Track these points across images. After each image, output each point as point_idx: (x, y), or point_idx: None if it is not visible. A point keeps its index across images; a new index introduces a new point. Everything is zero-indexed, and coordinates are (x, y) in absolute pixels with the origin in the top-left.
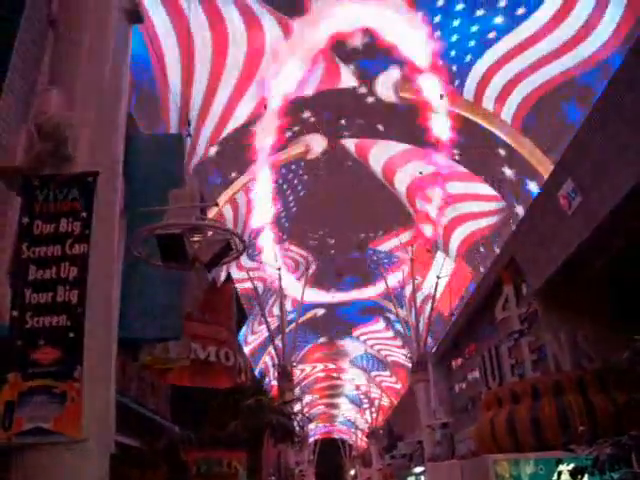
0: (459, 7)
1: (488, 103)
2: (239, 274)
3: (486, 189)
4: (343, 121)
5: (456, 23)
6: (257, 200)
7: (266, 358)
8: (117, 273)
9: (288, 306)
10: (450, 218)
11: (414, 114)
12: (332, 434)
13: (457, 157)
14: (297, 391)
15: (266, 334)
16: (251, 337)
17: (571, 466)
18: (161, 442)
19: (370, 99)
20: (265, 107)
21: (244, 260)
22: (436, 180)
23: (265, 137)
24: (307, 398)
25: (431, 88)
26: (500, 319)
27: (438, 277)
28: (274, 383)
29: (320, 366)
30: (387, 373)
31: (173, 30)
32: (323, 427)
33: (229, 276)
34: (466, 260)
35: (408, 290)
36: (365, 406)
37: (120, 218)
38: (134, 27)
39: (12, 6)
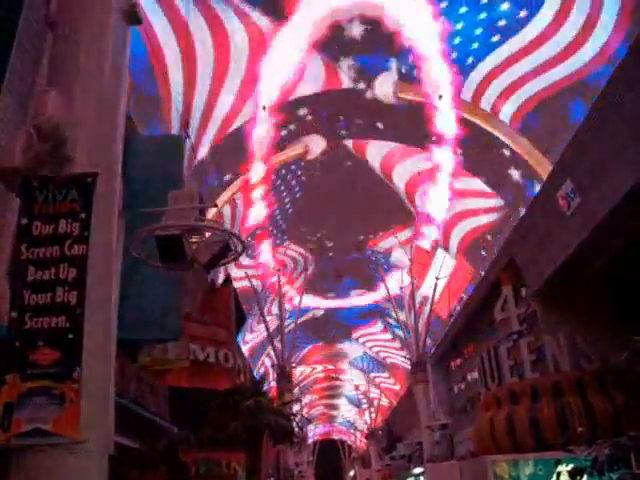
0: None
1: (486, 104)
2: (237, 272)
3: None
4: (342, 121)
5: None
6: (256, 201)
7: (265, 359)
8: (116, 274)
9: (287, 306)
10: (451, 214)
11: (414, 114)
12: (331, 435)
13: (457, 157)
14: (296, 392)
15: (265, 333)
16: (249, 336)
17: (570, 467)
18: (160, 443)
19: (369, 98)
20: (264, 107)
21: (242, 258)
22: (435, 176)
23: (262, 136)
24: (306, 399)
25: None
26: (499, 320)
27: (437, 278)
28: (273, 384)
29: (319, 367)
30: (386, 375)
31: (172, 31)
32: (322, 428)
33: (228, 277)
34: (467, 257)
35: (407, 291)
36: (364, 407)
37: (119, 219)
38: (132, 28)
39: (10, 7)
